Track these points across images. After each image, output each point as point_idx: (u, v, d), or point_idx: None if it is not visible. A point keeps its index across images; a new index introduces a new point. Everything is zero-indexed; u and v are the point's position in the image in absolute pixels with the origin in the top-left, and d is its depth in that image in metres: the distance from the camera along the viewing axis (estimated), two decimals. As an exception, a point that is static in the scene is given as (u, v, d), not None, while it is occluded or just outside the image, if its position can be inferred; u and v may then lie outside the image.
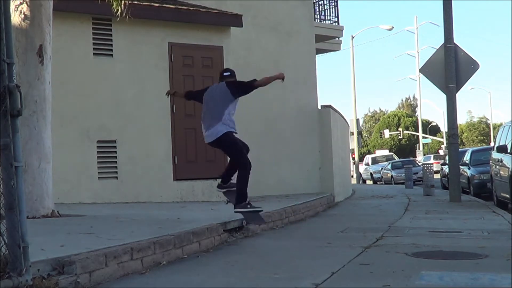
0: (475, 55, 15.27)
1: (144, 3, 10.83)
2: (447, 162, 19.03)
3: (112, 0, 8.72)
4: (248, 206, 7.28)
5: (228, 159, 7.89)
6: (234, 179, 7.66)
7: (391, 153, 53.02)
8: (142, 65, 11.17)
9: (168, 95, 8.48)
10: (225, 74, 7.69)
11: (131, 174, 10.84)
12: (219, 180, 7.92)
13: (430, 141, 66.10)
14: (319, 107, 14.82)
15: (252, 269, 5.23)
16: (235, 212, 7.36)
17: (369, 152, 66.61)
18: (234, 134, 7.40)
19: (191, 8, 11.71)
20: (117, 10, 8.75)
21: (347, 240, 7.16)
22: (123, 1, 8.76)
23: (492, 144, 22.54)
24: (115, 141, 10.72)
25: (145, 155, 11.01)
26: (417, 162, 38.84)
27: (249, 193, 13.34)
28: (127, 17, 8.87)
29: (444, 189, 21.51)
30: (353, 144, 35.52)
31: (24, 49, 7.45)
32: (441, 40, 15.43)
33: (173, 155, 11.33)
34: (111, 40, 10.86)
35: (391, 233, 7.93)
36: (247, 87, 7.53)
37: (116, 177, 10.71)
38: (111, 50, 10.88)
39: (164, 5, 11.35)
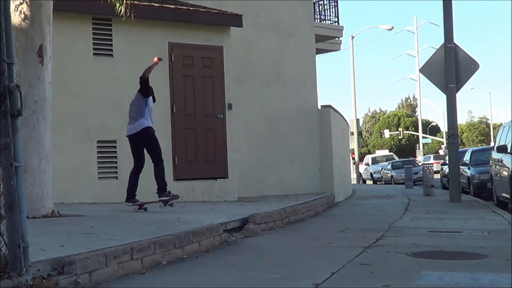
0: (475, 55, 15.29)
1: (144, 3, 10.82)
2: (447, 162, 19.03)
3: (115, 1, 8.72)
4: (170, 194, 8.74)
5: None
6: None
7: (391, 153, 53.03)
8: (142, 65, 11.08)
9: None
10: (139, 81, 8.85)
11: (131, 174, 10.82)
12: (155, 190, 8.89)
13: (430, 141, 66.11)
14: (319, 107, 14.82)
15: (252, 269, 5.23)
16: (160, 200, 8.72)
17: (369, 152, 66.63)
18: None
19: (191, 8, 11.70)
20: (120, 10, 8.75)
21: (347, 240, 7.16)
22: (125, 1, 8.77)
23: (492, 144, 22.54)
24: (115, 141, 10.71)
25: (145, 155, 10.98)
26: (417, 162, 38.85)
27: (250, 193, 13.39)
28: (131, 16, 8.87)
29: (444, 189, 21.51)
30: (353, 144, 35.53)
31: (24, 49, 7.45)
32: (441, 40, 15.44)
33: (173, 155, 11.33)
34: (111, 40, 10.86)
35: (391, 233, 7.93)
36: (140, 84, 8.73)
37: (116, 177, 10.70)
38: (111, 50, 10.88)
39: (164, 5, 11.35)
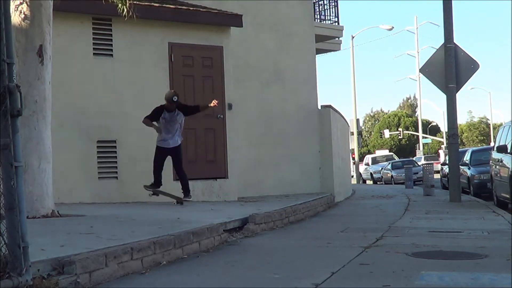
0: (475, 55, 15.29)
1: (144, 3, 10.82)
2: (447, 162, 19.03)
3: (117, 1, 8.72)
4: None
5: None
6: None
7: (391, 153, 53.01)
8: (142, 65, 11.16)
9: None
10: (174, 99, 9.95)
11: (131, 174, 10.83)
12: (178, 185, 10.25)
13: (430, 141, 66.10)
14: (319, 107, 14.82)
15: (252, 269, 5.23)
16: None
17: (369, 152, 66.59)
18: None
19: (191, 8, 11.70)
20: (123, 10, 8.75)
21: (347, 240, 7.16)
22: (127, 1, 8.76)
23: (492, 144, 22.54)
24: (115, 141, 10.71)
25: (145, 155, 10.99)
26: (416, 162, 38.85)
27: (249, 193, 13.39)
28: (134, 16, 8.87)
29: (444, 189, 21.51)
30: (353, 144, 35.53)
31: (24, 49, 7.44)
32: (441, 40, 15.44)
33: (173, 155, 11.30)
34: (111, 40, 10.85)
35: (391, 233, 7.94)
36: (191, 110, 10.33)
37: (116, 177, 10.70)
38: (111, 50, 10.87)
39: (164, 5, 11.34)
